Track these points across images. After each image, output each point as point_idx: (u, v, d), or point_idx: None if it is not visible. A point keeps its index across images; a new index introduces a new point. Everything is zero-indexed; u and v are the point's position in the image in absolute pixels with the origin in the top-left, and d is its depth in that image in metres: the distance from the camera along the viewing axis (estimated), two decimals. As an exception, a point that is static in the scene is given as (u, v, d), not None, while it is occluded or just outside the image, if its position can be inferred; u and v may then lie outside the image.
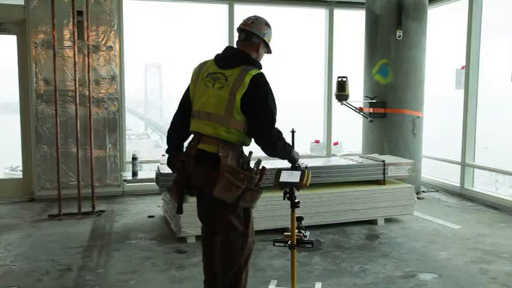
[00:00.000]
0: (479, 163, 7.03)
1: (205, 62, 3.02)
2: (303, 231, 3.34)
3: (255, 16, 3.08)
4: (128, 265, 4.31)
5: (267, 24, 3.07)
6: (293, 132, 3.38)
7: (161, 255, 4.55)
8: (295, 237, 3.26)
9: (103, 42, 6.88)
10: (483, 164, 7.02)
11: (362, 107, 7.27)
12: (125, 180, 6.39)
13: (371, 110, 7.14)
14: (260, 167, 2.86)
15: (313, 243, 3.37)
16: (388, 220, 5.63)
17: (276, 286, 3.63)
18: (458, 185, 7.15)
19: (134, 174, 6.22)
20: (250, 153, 2.92)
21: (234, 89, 2.79)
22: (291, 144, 3.12)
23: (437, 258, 4.51)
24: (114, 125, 7.03)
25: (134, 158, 6.26)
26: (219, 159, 2.76)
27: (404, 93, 7.00)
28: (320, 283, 3.66)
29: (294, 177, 3.18)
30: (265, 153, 2.97)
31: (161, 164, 6.01)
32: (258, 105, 2.82)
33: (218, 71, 2.90)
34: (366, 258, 4.48)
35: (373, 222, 5.55)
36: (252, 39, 3.01)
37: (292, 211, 3.29)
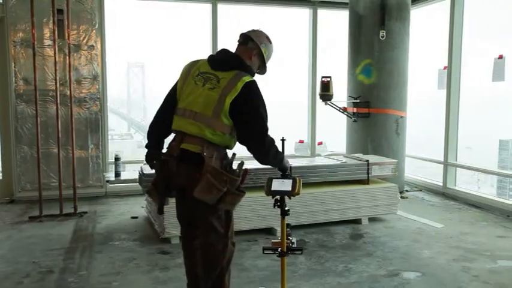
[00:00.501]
0: (462, 162, 7.11)
1: (197, 61, 2.98)
2: (290, 238, 3.35)
3: (259, 28, 3.11)
4: (111, 267, 4.25)
5: (268, 39, 3.08)
6: (283, 140, 3.40)
7: (145, 256, 4.50)
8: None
9: (84, 41, 6.79)
10: (465, 163, 7.11)
11: (346, 106, 7.30)
12: (108, 181, 6.31)
13: (355, 109, 7.17)
14: (242, 170, 2.84)
15: (302, 250, 3.38)
16: (372, 219, 5.66)
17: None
18: (441, 184, 7.22)
19: (117, 174, 6.16)
20: (234, 155, 2.90)
21: (225, 91, 2.75)
22: (278, 149, 3.08)
23: (420, 256, 4.54)
24: (97, 125, 6.94)
25: (117, 159, 6.20)
26: (203, 160, 2.73)
27: (388, 93, 7.05)
28: None
29: (286, 185, 3.19)
30: (257, 160, 2.96)
31: (144, 164, 5.96)
32: (250, 111, 2.79)
33: (210, 71, 2.86)
34: (350, 257, 4.49)
35: (357, 221, 5.57)
36: (248, 43, 3.02)
37: (283, 219, 3.30)
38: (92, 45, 6.82)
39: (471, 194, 6.72)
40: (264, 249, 3.29)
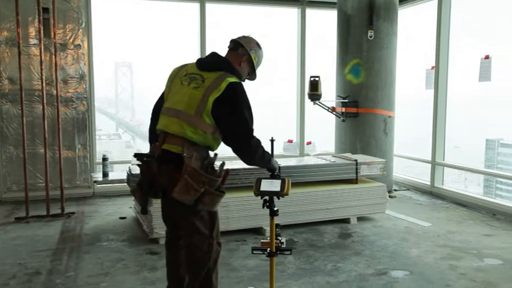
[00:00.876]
0: (449, 162, 7.16)
1: (186, 64, 3.01)
2: (280, 238, 3.35)
3: (249, 34, 3.14)
4: (99, 267, 4.21)
5: (258, 45, 3.11)
6: (272, 141, 3.41)
7: (133, 257, 4.47)
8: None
9: (71, 40, 6.72)
10: (452, 162, 7.16)
11: (335, 106, 7.32)
12: (96, 182, 6.26)
13: (343, 109, 7.19)
14: (224, 170, 2.83)
15: (291, 250, 3.38)
16: (360, 219, 5.68)
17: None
18: (429, 183, 7.28)
19: (105, 175, 6.11)
20: (216, 155, 2.90)
21: (208, 91, 2.76)
22: (269, 152, 3.09)
23: (408, 255, 4.57)
24: (84, 125, 6.88)
25: (105, 159, 6.15)
26: (183, 160, 2.72)
27: (376, 93, 7.08)
28: None
29: (275, 186, 3.20)
30: (244, 161, 2.96)
31: (132, 164, 5.92)
32: (233, 112, 2.79)
33: (197, 71, 2.89)
34: (338, 256, 4.50)
35: (346, 221, 5.59)
36: (238, 49, 3.04)
37: (272, 219, 3.30)
38: (79, 44, 6.76)
39: (458, 193, 6.78)
40: (253, 249, 3.29)
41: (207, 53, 7.79)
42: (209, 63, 2.93)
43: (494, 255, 4.52)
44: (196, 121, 2.76)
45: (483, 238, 5.09)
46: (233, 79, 2.82)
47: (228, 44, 3.10)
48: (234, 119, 2.80)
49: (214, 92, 2.75)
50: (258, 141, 2.91)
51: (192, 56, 7.50)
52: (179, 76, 2.93)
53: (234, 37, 3.10)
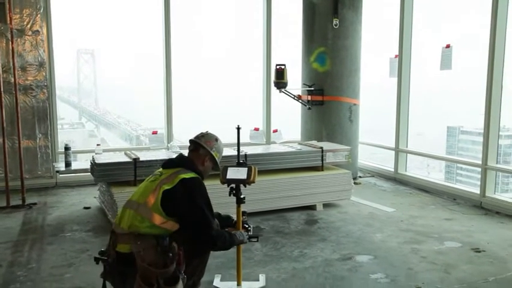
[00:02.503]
0: (412, 149, 7.32)
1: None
2: (247, 226, 3.37)
3: (206, 131, 3.33)
4: (63, 258, 4.14)
5: (216, 140, 3.27)
6: (238, 129, 3.42)
7: (98, 247, 4.34)
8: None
9: (28, 26, 6.49)
10: (415, 149, 7.33)
11: (301, 94, 7.36)
12: (58, 171, 6.12)
13: (309, 97, 7.24)
14: (176, 254, 2.86)
15: (258, 237, 3.41)
16: (326, 205, 5.76)
17: (220, 281, 3.60)
18: (393, 170, 7.43)
19: (67, 164, 5.98)
20: (171, 242, 2.87)
21: (161, 182, 2.93)
22: (227, 235, 3.13)
23: (372, 240, 4.66)
24: (44, 114, 6.68)
25: (67, 148, 6.01)
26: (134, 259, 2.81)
27: (341, 81, 7.15)
28: (264, 275, 3.68)
29: (241, 173, 3.24)
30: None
31: (96, 153, 5.82)
32: (189, 205, 2.91)
33: (160, 170, 3.10)
34: (305, 242, 4.55)
35: (312, 207, 5.65)
36: (199, 150, 3.20)
37: (238, 206, 3.31)
38: (37, 31, 6.53)
39: (421, 179, 6.95)
40: None
41: (172, 41, 7.65)
42: (172, 162, 3.14)
43: (454, 238, 4.67)
44: (143, 210, 2.88)
45: (444, 222, 5.25)
46: (189, 175, 2.99)
47: (189, 145, 3.27)
48: (190, 212, 2.92)
49: (166, 184, 2.92)
50: (218, 232, 3.04)
51: (156, 43, 7.38)
52: (147, 178, 3.13)
53: (192, 138, 3.27)
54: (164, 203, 2.88)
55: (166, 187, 2.91)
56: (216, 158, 3.26)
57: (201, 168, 3.18)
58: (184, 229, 2.96)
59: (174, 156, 3.42)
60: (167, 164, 3.14)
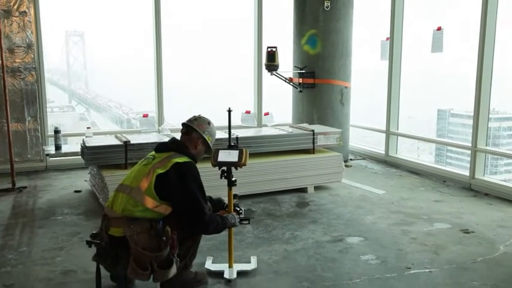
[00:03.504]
0: (402, 131, 7.35)
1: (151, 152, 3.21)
2: (238, 208, 3.38)
3: (199, 115, 3.33)
4: (54, 242, 4.13)
5: (209, 123, 3.28)
6: (229, 111, 3.42)
7: (89, 231, 4.31)
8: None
9: (15, 6, 6.37)
10: (406, 132, 7.36)
11: (292, 77, 7.33)
12: (48, 155, 6.08)
13: (300, 80, 7.22)
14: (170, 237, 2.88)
15: (249, 220, 3.43)
16: (317, 188, 5.79)
17: (212, 263, 3.62)
18: (383, 152, 7.46)
19: (57, 148, 5.94)
20: (165, 226, 2.91)
21: (154, 167, 2.95)
22: (219, 219, 3.18)
23: (363, 222, 4.71)
24: (33, 97, 6.61)
25: (57, 131, 5.97)
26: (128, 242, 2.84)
27: (333, 64, 7.13)
28: (255, 257, 3.71)
29: (232, 156, 3.25)
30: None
31: (87, 137, 5.78)
32: (182, 190, 2.94)
33: (153, 154, 3.12)
34: (296, 225, 4.58)
35: (303, 190, 5.68)
36: (191, 134, 3.21)
37: (230, 189, 3.31)
38: (25, 11, 6.41)
39: (411, 162, 7.00)
40: None
41: (162, 22, 7.55)
42: (165, 145, 3.14)
43: (443, 220, 4.73)
44: (136, 194, 2.89)
45: (433, 204, 5.31)
46: (182, 159, 3.01)
47: (181, 128, 3.28)
48: (183, 197, 2.95)
49: (160, 168, 2.93)
50: (210, 217, 3.07)
51: (146, 26, 7.29)
52: (140, 161, 3.15)
53: (185, 121, 3.28)
54: (157, 186, 2.90)
55: (160, 171, 2.92)
56: (209, 142, 3.26)
57: (194, 152, 3.19)
58: (177, 213, 2.97)
59: (165, 139, 3.43)
60: (160, 147, 3.14)
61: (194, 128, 3.22)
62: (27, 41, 6.48)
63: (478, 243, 4.15)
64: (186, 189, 2.96)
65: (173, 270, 2.89)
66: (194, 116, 3.32)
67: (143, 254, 2.80)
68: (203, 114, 3.38)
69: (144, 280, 2.90)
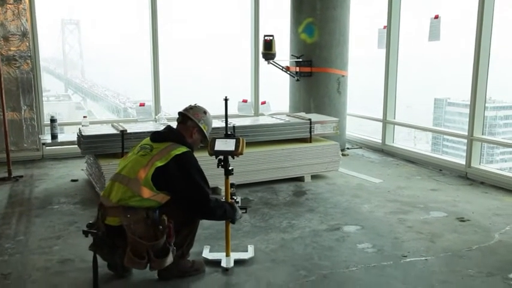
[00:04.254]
0: (399, 120, 7.36)
1: (145, 139, 3.22)
2: (235, 197, 3.39)
3: (195, 104, 3.33)
4: (51, 231, 4.13)
5: (205, 112, 3.27)
6: (226, 100, 3.41)
7: (86, 220, 4.34)
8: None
9: (10, -6, 6.31)
10: (402, 121, 7.36)
11: (289, 66, 7.30)
12: (44, 144, 6.05)
13: (297, 69, 7.19)
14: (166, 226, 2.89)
15: (246, 209, 3.44)
16: (314, 177, 5.79)
17: (209, 252, 3.63)
18: (380, 141, 7.47)
19: (54, 137, 5.91)
20: (161, 214, 2.93)
21: (154, 159, 2.92)
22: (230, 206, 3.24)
23: (360, 211, 4.72)
24: (29, 85, 6.57)
25: (53, 120, 5.94)
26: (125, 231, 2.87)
27: (330, 52, 7.10)
28: (252, 246, 3.72)
29: (229, 145, 3.24)
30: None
31: (83, 126, 5.77)
32: (184, 180, 2.95)
33: (149, 143, 3.09)
34: (293, 214, 4.59)
35: (300, 179, 5.68)
36: (187, 123, 3.20)
37: (227, 178, 3.32)
38: (19, -1, 6.35)
39: (408, 150, 7.01)
40: None
41: (158, 8, 7.52)
42: (161, 134, 3.12)
43: (439, 208, 4.75)
44: (134, 184, 2.89)
45: (430, 192, 5.33)
46: (180, 150, 2.99)
47: (177, 117, 3.27)
48: (187, 188, 2.96)
49: (159, 160, 2.91)
50: (216, 202, 3.10)
51: (142, 14, 7.24)
52: (133, 151, 3.12)
53: (181, 110, 3.27)
54: (155, 178, 2.90)
55: (159, 164, 2.92)
56: (205, 131, 3.25)
57: (190, 141, 3.19)
58: (179, 202, 2.99)
59: (161, 128, 3.41)
60: (156, 137, 3.13)
61: (190, 116, 3.21)
62: (22, 29, 6.42)
63: (473, 231, 4.17)
64: (190, 180, 2.97)
65: (169, 259, 2.90)
66: (190, 105, 3.31)
67: (140, 243, 2.81)
68: (200, 104, 3.37)
69: (140, 269, 2.92)
